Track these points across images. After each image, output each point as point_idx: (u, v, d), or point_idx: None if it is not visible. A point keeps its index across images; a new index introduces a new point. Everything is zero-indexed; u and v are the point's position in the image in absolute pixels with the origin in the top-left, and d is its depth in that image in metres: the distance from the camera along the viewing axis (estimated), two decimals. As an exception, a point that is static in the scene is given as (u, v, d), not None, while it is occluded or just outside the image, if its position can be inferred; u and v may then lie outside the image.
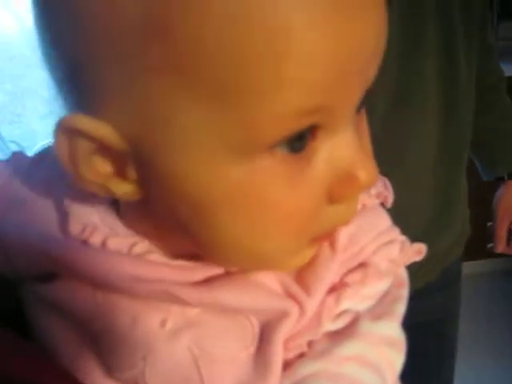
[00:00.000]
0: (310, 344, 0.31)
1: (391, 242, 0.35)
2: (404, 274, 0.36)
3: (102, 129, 0.25)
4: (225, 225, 0.26)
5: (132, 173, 0.26)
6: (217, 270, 0.30)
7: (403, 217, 0.66)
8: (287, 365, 0.30)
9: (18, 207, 0.33)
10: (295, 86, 0.22)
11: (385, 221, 0.36)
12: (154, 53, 0.22)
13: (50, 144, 0.36)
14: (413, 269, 0.64)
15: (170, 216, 0.27)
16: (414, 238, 0.70)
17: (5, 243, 0.32)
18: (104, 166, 0.26)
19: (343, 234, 0.32)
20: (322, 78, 0.23)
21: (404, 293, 0.35)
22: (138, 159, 0.25)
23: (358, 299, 0.32)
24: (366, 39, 0.24)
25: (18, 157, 0.37)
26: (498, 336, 1.89)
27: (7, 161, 0.36)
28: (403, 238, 0.36)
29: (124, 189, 0.27)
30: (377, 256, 0.33)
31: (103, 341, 0.29)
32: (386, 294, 0.34)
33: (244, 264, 0.29)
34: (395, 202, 0.64)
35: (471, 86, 0.71)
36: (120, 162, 0.26)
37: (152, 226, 0.30)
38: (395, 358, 0.32)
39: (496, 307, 2.03)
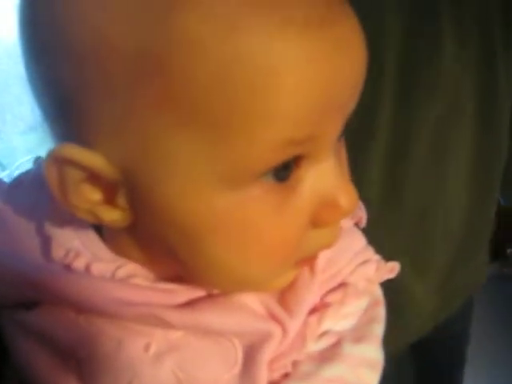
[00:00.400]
0: (294, 364, 0.31)
1: (367, 261, 0.36)
2: (379, 292, 0.37)
3: (92, 158, 0.25)
4: (212, 251, 0.26)
5: (122, 201, 0.26)
6: (200, 293, 0.30)
7: (448, 230, 0.65)
8: None
9: None
10: (285, 120, 0.23)
11: (360, 241, 0.37)
12: (148, 88, 0.23)
13: (27, 168, 0.36)
14: (447, 298, 0.64)
15: (157, 241, 0.28)
16: (455, 251, 0.68)
17: None
18: (93, 194, 0.27)
19: (322, 257, 0.32)
20: (311, 112, 0.24)
21: (381, 311, 0.36)
22: (129, 188, 0.26)
23: (339, 318, 0.33)
24: (352, 76, 0.25)
25: None
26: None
27: None
28: (378, 256, 0.37)
29: (113, 216, 0.27)
30: (354, 276, 0.34)
31: (87, 366, 0.29)
32: (364, 313, 0.34)
33: (228, 287, 0.30)
34: (437, 215, 0.63)
35: (508, 99, 0.71)
36: (110, 190, 0.26)
37: (138, 250, 0.30)
38: (372, 380, 0.33)
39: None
